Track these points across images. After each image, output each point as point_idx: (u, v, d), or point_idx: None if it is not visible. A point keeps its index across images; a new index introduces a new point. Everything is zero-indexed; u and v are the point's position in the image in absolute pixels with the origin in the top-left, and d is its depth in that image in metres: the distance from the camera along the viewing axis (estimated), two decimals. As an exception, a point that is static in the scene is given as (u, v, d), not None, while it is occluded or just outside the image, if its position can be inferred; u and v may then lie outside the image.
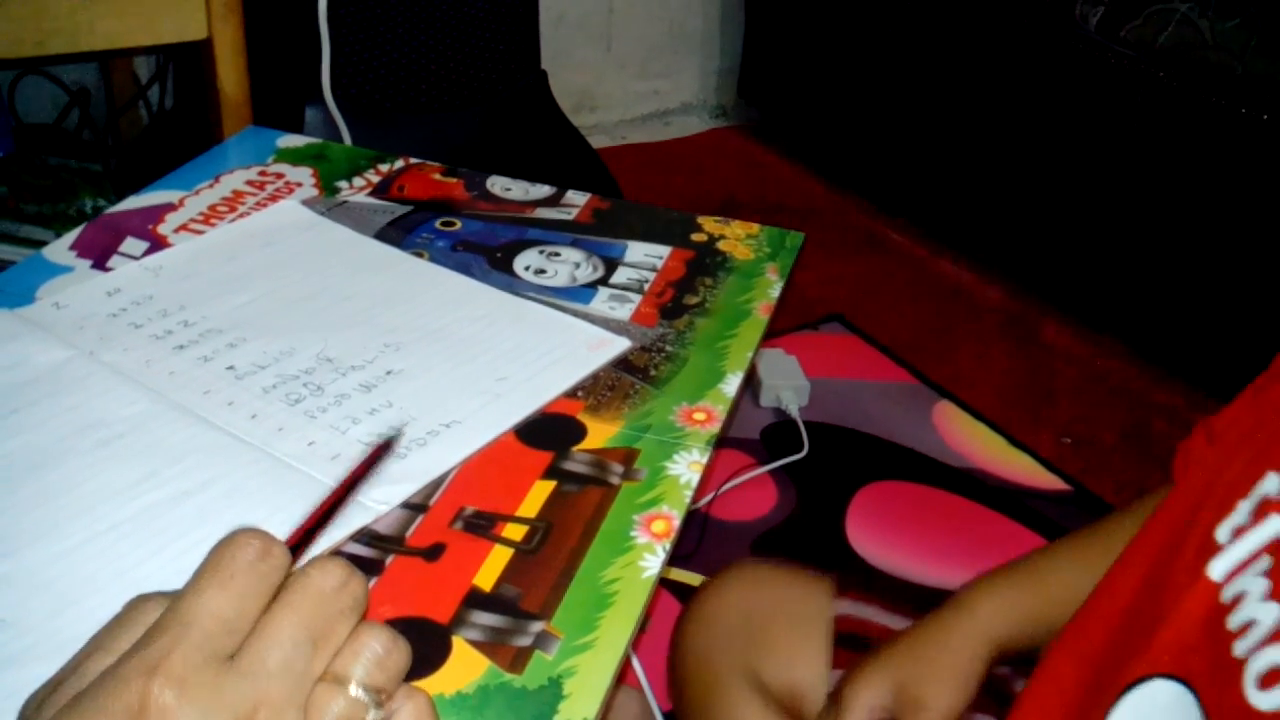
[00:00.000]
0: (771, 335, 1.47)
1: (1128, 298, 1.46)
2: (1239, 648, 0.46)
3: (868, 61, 1.79)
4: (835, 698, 0.67)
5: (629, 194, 0.96)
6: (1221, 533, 0.51)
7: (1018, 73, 1.55)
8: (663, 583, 1.10)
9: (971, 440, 1.32)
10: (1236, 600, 0.48)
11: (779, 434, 1.30)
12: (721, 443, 1.27)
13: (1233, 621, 0.47)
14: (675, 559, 1.11)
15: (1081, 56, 1.45)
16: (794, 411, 1.31)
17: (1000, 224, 1.64)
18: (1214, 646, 0.48)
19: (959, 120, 1.66)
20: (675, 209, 0.88)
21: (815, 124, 1.94)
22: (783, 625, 0.76)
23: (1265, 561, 0.48)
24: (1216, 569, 0.50)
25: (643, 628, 0.98)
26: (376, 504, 0.56)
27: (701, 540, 1.14)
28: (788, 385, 1.33)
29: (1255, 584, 0.47)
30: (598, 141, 1.93)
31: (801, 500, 1.20)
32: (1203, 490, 0.55)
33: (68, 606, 0.49)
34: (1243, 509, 0.50)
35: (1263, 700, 0.44)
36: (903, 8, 1.70)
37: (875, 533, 1.16)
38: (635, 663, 0.91)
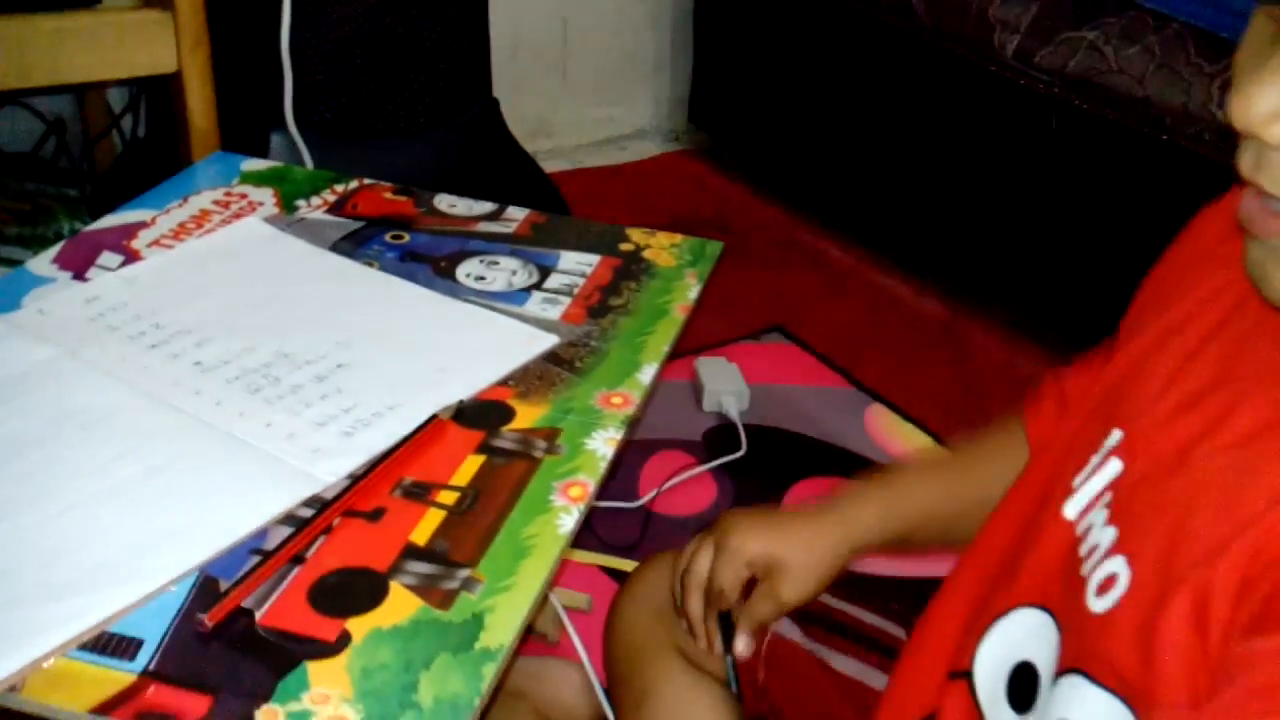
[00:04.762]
0: (714, 345, 1.56)
1: (1051, 306, 1.56)
2: (1085, 568, 0.55)
3: (808, 90, 1.90)
4: (715, 532, 0.76)
5: (584, 216, 1.04)
6: (1077, 481, 0.59)
7: (944, 97, 1.66)
8: (606, 571, 1.18)
9: (900, 440, 1.41)
10: (1086, 531, 0.57)
11: (720, 436, 1.39)
12: (665, 444, 1.36)
13: (1083, 549, 0.56)
14: (620, 550, 1.19)
15: (1000, 82, 1.55)
16: (734, 414, 1.40)
17: (935, 238, 1.74)
18: (1067, 572, 0.56)
19: (894, 142, 1.76)
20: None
21: (761, 147, 2.05)
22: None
23: (1108, 496, 0.56)
24: (1070, 509, 0.58)
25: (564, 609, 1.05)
26: (326, 475, 0.64)
27: (644, 534, 1.22)
28: (728, 391, 1.42)
29: (1100, 515, 0.56)
30: (555, 166, 2.01)
31: (738, 496, 1.29)
32: (1064, 452, 0.64)
33: (56, 560, 0.57)
34: (1093, 461, 0.59)
35: (1098, 604, 0.52)
36: (839, 40, 1.81)
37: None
38: (576, 639, 0.98)
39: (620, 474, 1.31)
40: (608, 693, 0.87)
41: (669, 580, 0.84)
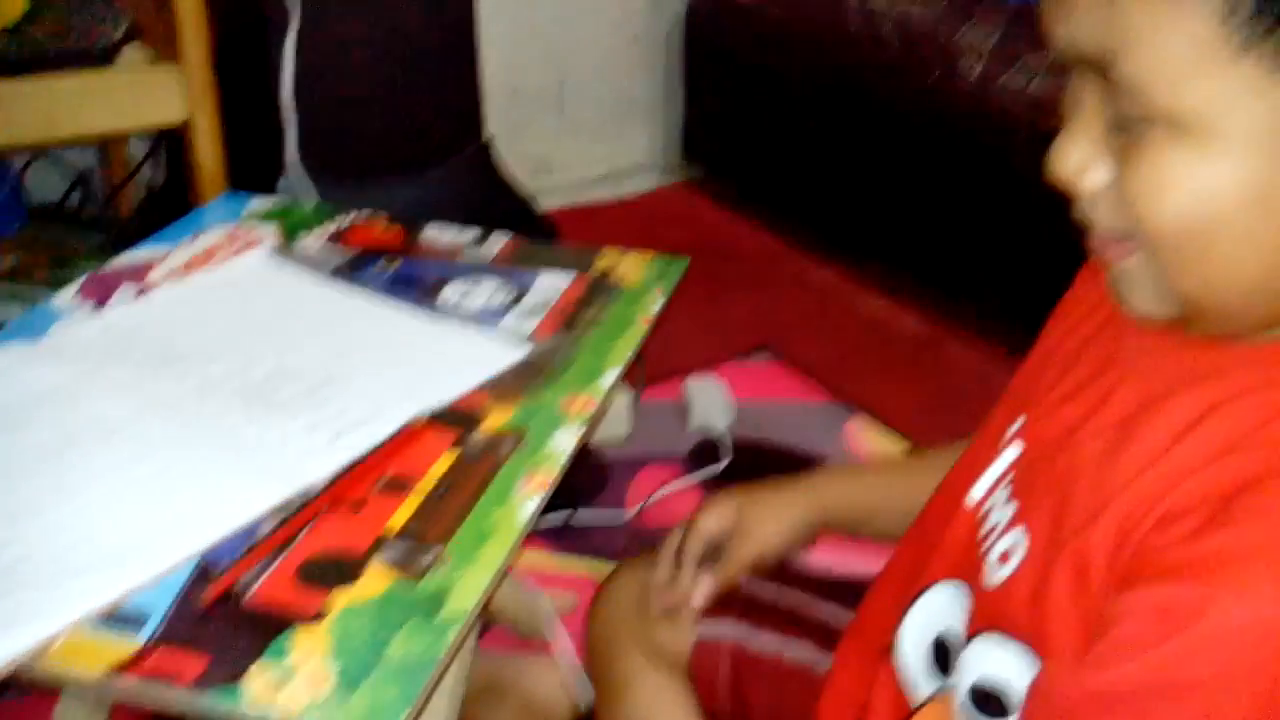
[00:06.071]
0: (704, 366, 1.63)
1: (1026, 319, 1.62)
2: (985, 545, 0.62)
3: (792, 121, 1.98)
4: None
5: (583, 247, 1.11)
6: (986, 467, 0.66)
7: (920, 120, 1.74)
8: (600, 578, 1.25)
9: (879, 448, 1.48)
10: (989, 510, 0.63)
11: (705, 450, 1.46)
12: (653, 459, 1.43)
13: (984, 528, 0.63)
14: (608, 559, 1.26)
15: (969, 105, 1.63)
16: (719, 429, 1.47)
17: (917, 257, 1.81)
18: (971, 549, 0.63)
19: (875, 167, 1.84)
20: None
21: (751, 177, 2.14)
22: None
23: (1011, 474, 0.63)
24: (973, 493, 0.65)
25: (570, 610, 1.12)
26: (313, 473, 0.72)
27: (631, 544, 1.29)
28: (714, 407, 1.49)
29: (1003, 492, 0.63)
30: (556, 202, 2.09)
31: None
32: (979, 440, 0.70)
33: (76, 547, 0.65)
34: (1000, 446, 0.66)
35: (1000, 573, 0.59)
36: (819, 75, 1.90)
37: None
38: (560, 637, 1.05)
39: (610, 487, 1.38)
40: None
41: (636, 581, 0.91)
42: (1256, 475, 0.48)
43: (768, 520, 0.81)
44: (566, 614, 1.14)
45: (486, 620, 1.05)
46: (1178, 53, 0.45)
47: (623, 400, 1.45)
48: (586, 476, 1.38)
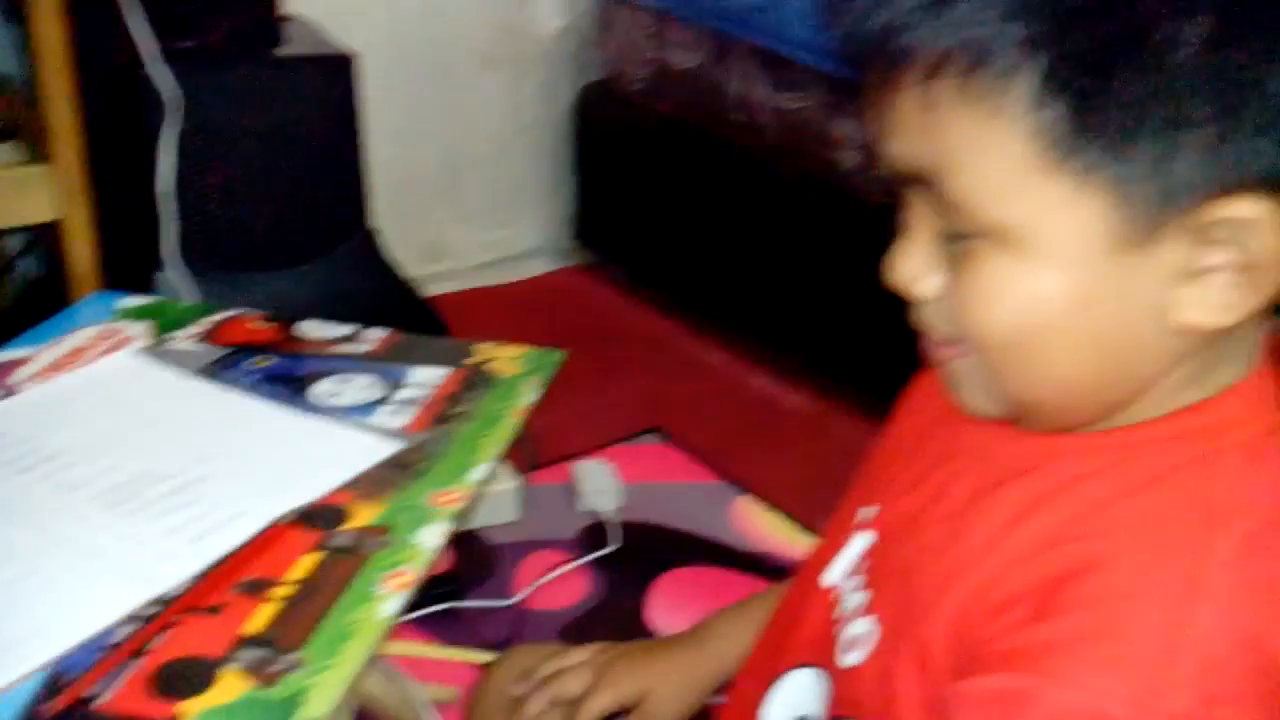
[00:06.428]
0: (593, 449, 1.65)
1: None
2: (837, 629, 0.64)
3: (681, 207, 2.04)
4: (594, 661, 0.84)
5: (477, 334, 1.09)
6: (838, 552, 0.69)
7: (801, 206, 1.81)
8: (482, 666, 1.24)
9: (765, 528, 1.51)
10: (841, 596, 0.66)
11: (594, 533, 1.47)
12: (541, 544, 1.43)
13: (836, 612, 0.65)
14: (493, 647, 1.26)
15: (841, 193, 1.70)
16: (608, 512, 1.48)
17: (804, 338, 1.87)
18: (826, 633, 0.65)
19: (760, 249, 1.90)
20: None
21: (640, 262, 2.18)
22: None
23: (864, 563, 0.65)
24: (826, 579, 0.68)
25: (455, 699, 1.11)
26: (170, 577, 0.72)
27: (516, 631, 1.29)
28: (603, 490, 1.51)
29: (852, 583, 0.65)
30: (448, 287, 2.11)
31: (610, 589, 1.37)
32: (833, 526, 0.73)
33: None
34: (852, 531, 0.68)
35: (851, 658, 0.61)
36: (705, 164, 1.96)
37: (673, 611, 1.32)
38: (444, 729, 1.05)
39: (496, 573, 1.38)
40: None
41: (514, 671, 0.91)
42: (1081, 565, 0.51)
43: (675, 695, 0.82)
44: (447, 706, 1.13)
45: (362, 717, 1.03)
46: (997, 170, 0.49)
47: (511, 484, 1.46)
48: (472, 563, 1.38)
